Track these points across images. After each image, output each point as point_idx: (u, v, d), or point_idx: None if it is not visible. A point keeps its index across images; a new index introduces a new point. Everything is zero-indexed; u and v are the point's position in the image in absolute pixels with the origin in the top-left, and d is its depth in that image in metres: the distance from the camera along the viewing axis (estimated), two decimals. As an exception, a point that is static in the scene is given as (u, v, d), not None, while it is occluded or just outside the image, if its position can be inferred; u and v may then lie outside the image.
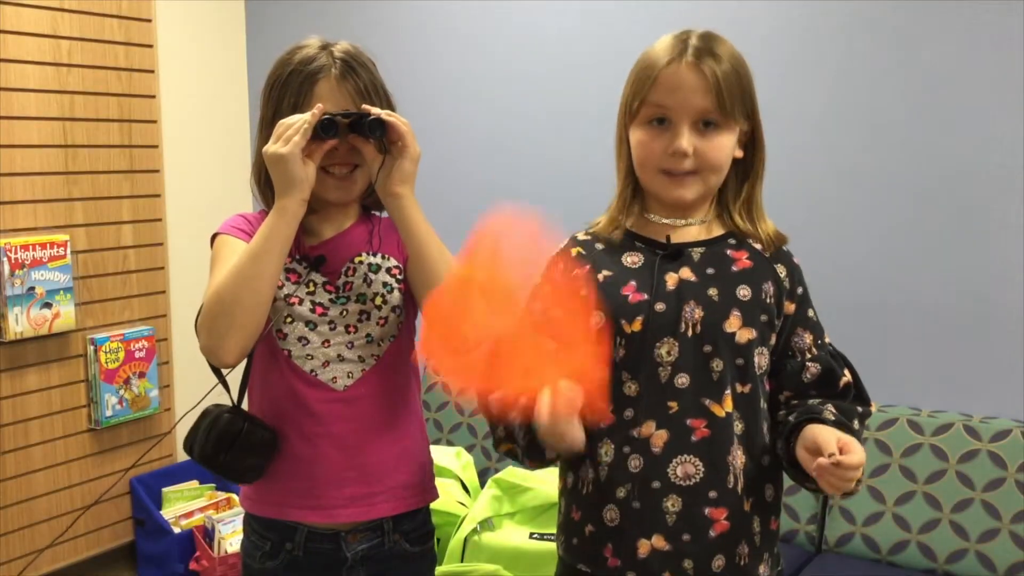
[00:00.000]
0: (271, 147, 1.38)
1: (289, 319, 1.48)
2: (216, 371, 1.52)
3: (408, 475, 1.54)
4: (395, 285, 1.51)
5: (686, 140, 1.33)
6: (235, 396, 1.54)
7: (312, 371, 1.49)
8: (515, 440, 1.37)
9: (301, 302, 1.48)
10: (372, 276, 1.50)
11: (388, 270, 1.52)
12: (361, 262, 1.51)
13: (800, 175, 2.59)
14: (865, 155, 2.53)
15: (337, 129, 1.40)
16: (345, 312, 1.49)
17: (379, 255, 1.52)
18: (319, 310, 1.49)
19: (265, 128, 1.48)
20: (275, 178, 1.39)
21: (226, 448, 1.46)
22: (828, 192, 2.58)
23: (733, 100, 1.34)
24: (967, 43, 2.38)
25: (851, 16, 2.51)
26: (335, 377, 1.49)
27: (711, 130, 1.35)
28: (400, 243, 1.50)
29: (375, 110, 1.41)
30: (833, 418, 1.32)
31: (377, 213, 1.58)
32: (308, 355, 1.49)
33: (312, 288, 1.49)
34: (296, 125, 1.37)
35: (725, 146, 1.36)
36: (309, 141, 1.39)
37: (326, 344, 1.49)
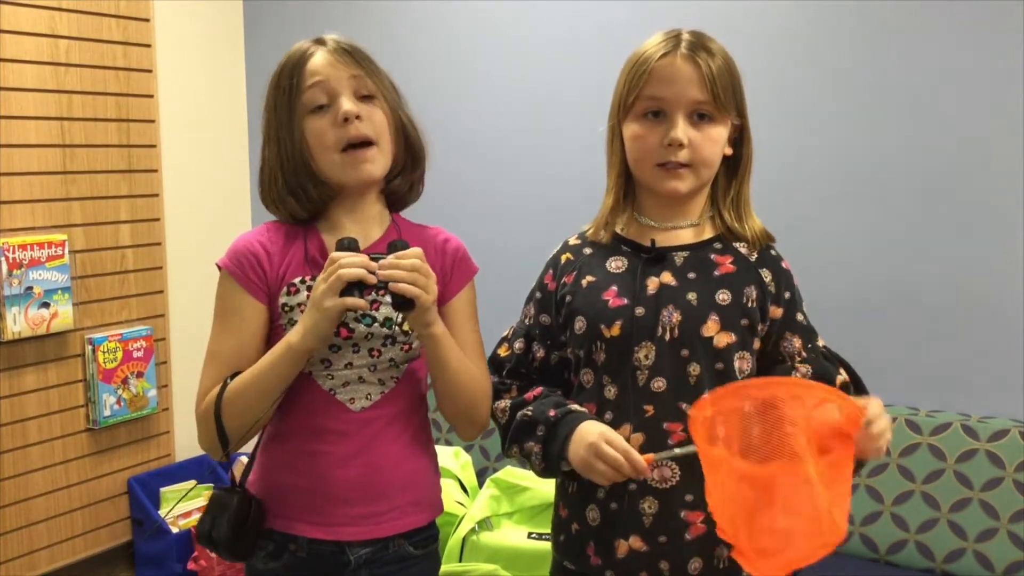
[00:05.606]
0: (323, 289, 1.32)
1: None
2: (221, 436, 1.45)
3: (417, 493, 1.52)
4: None
5: (682, 131, 1.34)
6: (238, 476, 1.51)
7: (331, 390, 1.47)
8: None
9: None
10: None
11: None
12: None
13: (800, 175, 2.59)
14: (865, 155, 2.53)
15: (363, 289, 1.34)
16: (370, 335, 1.45)
17: None
18: (343, 332, 1.44)
19: (272, 134, 1.47)
20: (307, 319, 1.36)
21: (240, 528, 1.45)
22: (827, 191, 2.58)
23: (727, 93, 1.36)
24: (968, 41, 2.38)
25: (852, 15, 2.50)
26: (353, 398, 1.47)
27: (705, 122, 1.36)
28: (436, 265, 1.48)
29: (402, 286, 1.33)
30: None
31: (401, 215, 1.56)
32: (329, 375, 1.46)
33: None
34: (343, 273, 1.31)
35: (718, 139, 1.38)
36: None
37: (348, 366, 1.46)
